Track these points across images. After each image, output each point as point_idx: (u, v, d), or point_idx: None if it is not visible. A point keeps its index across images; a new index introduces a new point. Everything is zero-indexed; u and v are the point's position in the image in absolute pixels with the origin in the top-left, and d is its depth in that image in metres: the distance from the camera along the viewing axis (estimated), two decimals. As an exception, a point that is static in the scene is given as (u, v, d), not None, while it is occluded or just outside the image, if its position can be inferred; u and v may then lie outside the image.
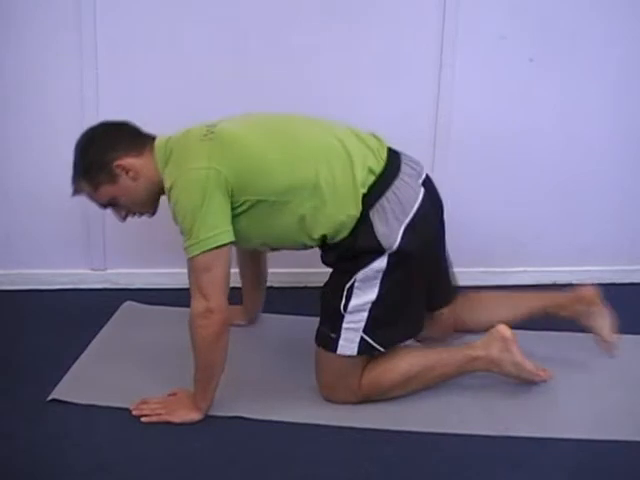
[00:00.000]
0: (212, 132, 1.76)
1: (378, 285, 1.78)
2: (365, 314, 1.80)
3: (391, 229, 1.76)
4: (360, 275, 1.78)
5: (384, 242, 1.76)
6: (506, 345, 1.86)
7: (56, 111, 2.44)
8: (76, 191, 1.90)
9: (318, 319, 1.88)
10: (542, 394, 1.93)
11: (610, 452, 1.72)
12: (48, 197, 2.51)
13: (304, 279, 2.62)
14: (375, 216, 1.77)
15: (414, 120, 2.53)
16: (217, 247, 1.70)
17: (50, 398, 1.84)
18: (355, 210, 1.77)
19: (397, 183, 1.80)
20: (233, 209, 1.75)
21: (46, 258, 2.57)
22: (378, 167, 1.81)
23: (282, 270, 2.39)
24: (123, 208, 1.90)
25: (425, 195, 1.83)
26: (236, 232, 1.75)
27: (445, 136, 2.56)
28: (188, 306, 2.38)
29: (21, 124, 2.45)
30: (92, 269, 2.60)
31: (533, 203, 2.68)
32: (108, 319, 2.31)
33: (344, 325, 1.80)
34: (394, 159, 1.85)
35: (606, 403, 1.92)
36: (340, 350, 1.81)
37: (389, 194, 1.78)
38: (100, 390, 1.89)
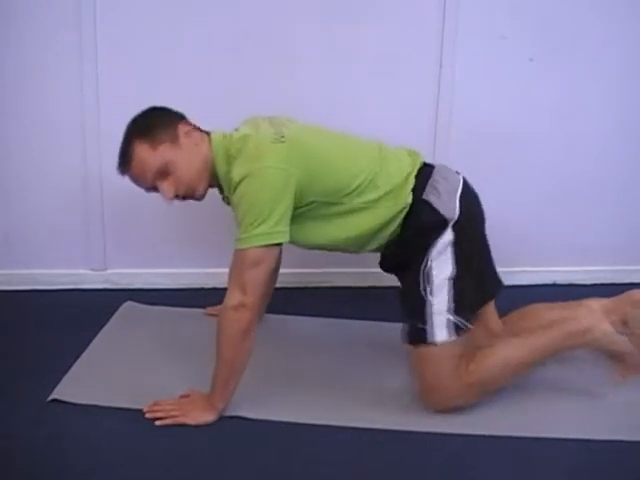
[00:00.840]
0: (282, 136, 1.79)
1: (451, 259, 1.83)
2: (445, 295, 1.81)
3: (448, 199, 1.85)
4: (433, 253, 1.82)
5: (446, 213, 1.83)
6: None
7: (56, 111, 2.44)
8: (125, 162, 1.84)
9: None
10: (542, 394, 1.93)
11: (610, 452, 1.72)
12: (48, 197, 2.51)
13: (304, 279, 2.63)
14: (430, 196, 1.86)
15: (414, 120, 2.54)
16: (270, 245, 1.72)
17: (50, 398, 1.84)
18: (407, 199, 1.86)
19: (438, 168, 1.94)
20: (298, 208, 1.80)
21: (46, 258, 2.56)
22: (420, 160, 1.94)
23: (282, 270, 2.38)
24: (174, 182, 1.84)
25: (465, 183, 1.93)
26: (294, 230, 1.79)
27: (445, 136, 2.56)
28: (188, 306, 2.42)
29: (21, 124, 2.45)
30: (92, 269, 2.60)
31: (533, 203, 2.68)
32: (108, 319, 2.31)
33: (428, 310, 1.80)
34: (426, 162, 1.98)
35: (606, 403, 1.92)
36: (433, 338, 1.80)
37: (435, 176, 1.90)
38: (100, 390, 1.89)
